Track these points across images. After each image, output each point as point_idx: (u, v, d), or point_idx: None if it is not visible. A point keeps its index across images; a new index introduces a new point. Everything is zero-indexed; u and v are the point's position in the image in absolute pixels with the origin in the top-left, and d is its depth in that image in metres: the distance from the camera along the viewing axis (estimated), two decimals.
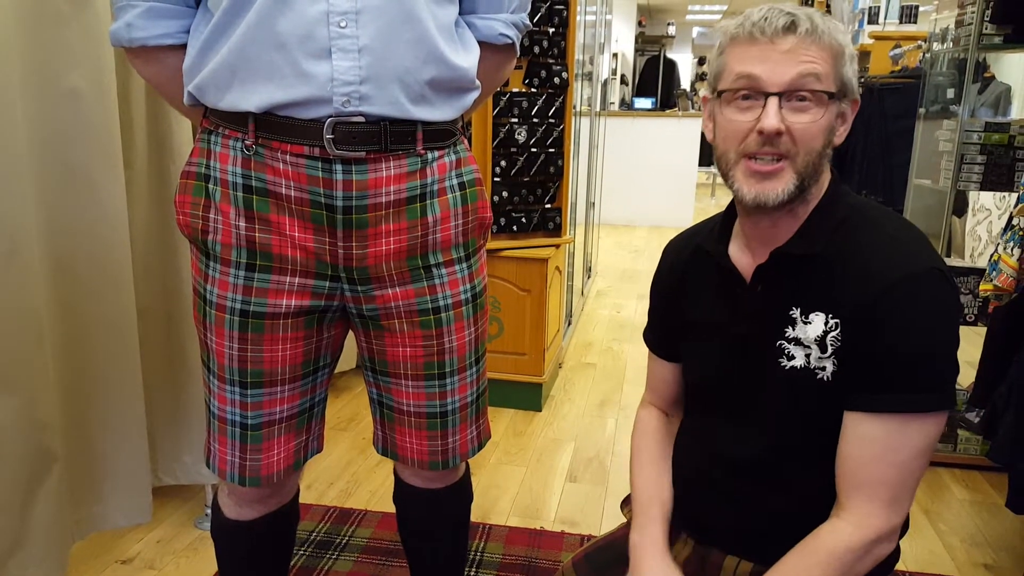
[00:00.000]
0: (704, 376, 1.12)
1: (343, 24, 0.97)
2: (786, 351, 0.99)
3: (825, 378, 0.96)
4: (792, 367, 0.98)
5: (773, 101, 0.91)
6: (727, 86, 0.95)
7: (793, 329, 0.98)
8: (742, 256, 1.05)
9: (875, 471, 0.92)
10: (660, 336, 1.23)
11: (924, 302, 0.90)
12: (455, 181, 1.13)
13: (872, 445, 0.92)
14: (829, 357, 0.95)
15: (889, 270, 0.91)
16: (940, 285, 0.91)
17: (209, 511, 2.03)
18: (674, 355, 1.21)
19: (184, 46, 1.06)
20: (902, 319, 0.90)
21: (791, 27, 0.91)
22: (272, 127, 1.01)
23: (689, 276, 1.14)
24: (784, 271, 0.99)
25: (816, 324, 0.96)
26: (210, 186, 1.07)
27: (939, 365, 0.92)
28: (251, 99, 1.00)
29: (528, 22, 1.23)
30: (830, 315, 0.95)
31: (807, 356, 0.97)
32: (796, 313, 0.98)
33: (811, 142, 0.93)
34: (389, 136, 1.03)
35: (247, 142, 1.03)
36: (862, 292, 0.92)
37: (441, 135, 1.10)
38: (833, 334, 0.95)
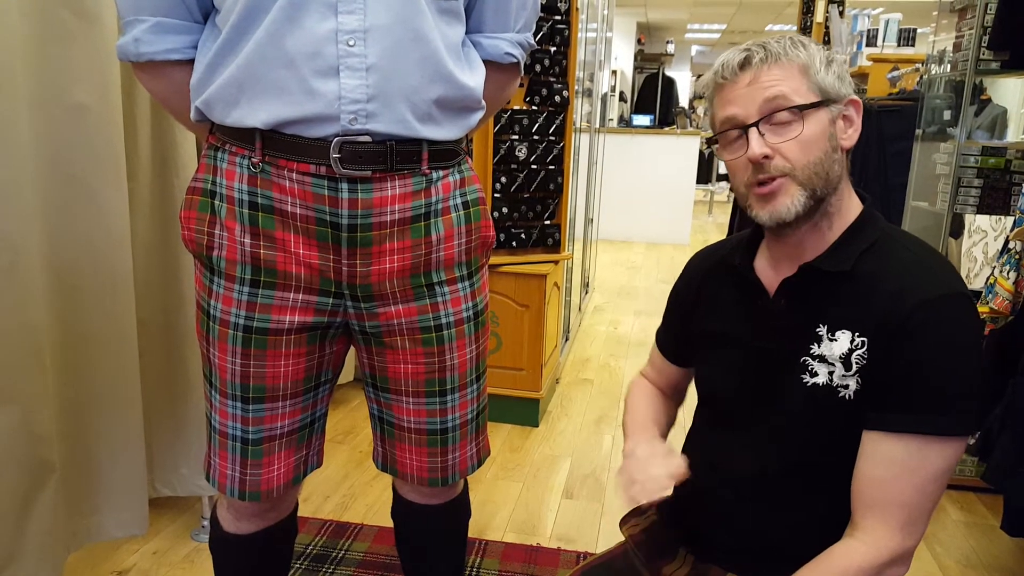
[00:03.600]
0: (718, 388, 1.13)
1: (351, 43, 0.98)
2: (810, 367, 1.00)
3: (848, 396, 0.97)
4: (815, 384, 0.99)
5: (752, 132, 0.96)
6: (716, 132, 1.02)
7: (818, 346, 0.99)
8: (767, 271, 1.07)
9: (892, 492, 0.93)
10: (672, 341, 1.25)
11: (952, 325, 0.92)
12: (459, 200, 1.15)
13: (891, 465, 0.93)
14: (853, 375, 0.96)
15: (919, 292, 0.93)
16: (968, 310, 0.93)
17: (205, 523, 2.03)
18: (682, 361, 1.24)
19: (191, 61, 1.07)
20: (929, 340, 0.92)
21: (746, 62, 0.97)
22: (279, 145, 1.02)
23: (710, 287, 1.16)
24: (810, 287, 1.01)
25: (842, 342, 0.97)
26: (216, 202, 1.07)
27: (962, 389, 0.92)
28: (258, 115, 1.01)
29: (532, 41, 1.25)
30: (856, 333, 0.96)
31: (831, 374, 0.98)
32: (823, 330, 0.99)
33: (806, 155, 0.96)
34: (395, 155, 1.04)
35: (254, 160, 1.04)
36: (891, 312, 0.94)
37: (446, 155, 1.11)
38: (859, 352, 0.96)
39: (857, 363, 0.96)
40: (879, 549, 0.93)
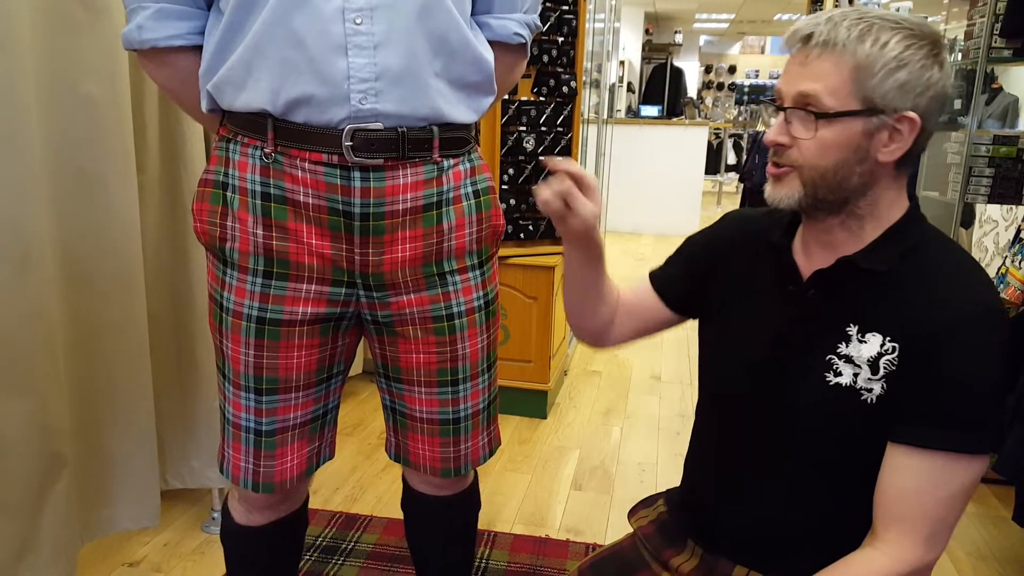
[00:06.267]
0: (736, 370, 1.08)
1: (358, 20, 0.98)
2: (834, 366, 0.96)
3: (870, 400, 0.94)
4: (837, 384, 0.96)
5: (780, 114, 0.94)
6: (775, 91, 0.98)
7: (846, 345, 0.96)
8: (799, 255, 1.03)
9: (917, 505, 0.91)
10: (672, 280, 1.18)
11: (989, 345, 0.89)
12: (470, 189, 1.14)
13: (917, 480, 0.90)
14: (879, 380, 0.93)
15: (959, 306, 0.90)
16: (1002, 328, 0.91)
17: (216, 515, 2.04)
18: (671, 300, 1.17)
19: (195, 48, 1.07)
20: (966, 358, 0.89)
21: (808, 38, 0.91)
22: (291, 134, 1.02)
23: (743, 256, 1.10)
24: (845, 283, 0.97)
25: (872, 344, 0.94)
26: (228, 194, 1.07)
27: (992, 407, 0.90)
28: (266, 95, 1.00)
29: (539, 23, 1.24)
30: (888, 338, 0.93)
31: (855, 375, 0.95)
32: (853, 330, 0.96)
33: (818, 158, 0.92)
34: (407, 143, 1.04)
35: (266, 150, 1.04)
36: (927, 321, 0.90)
37: (456, 143, 1.11)
38: (888, 357, 0.93)
39: (885, 368, 0.93)
40: (901, 562, 0.91)
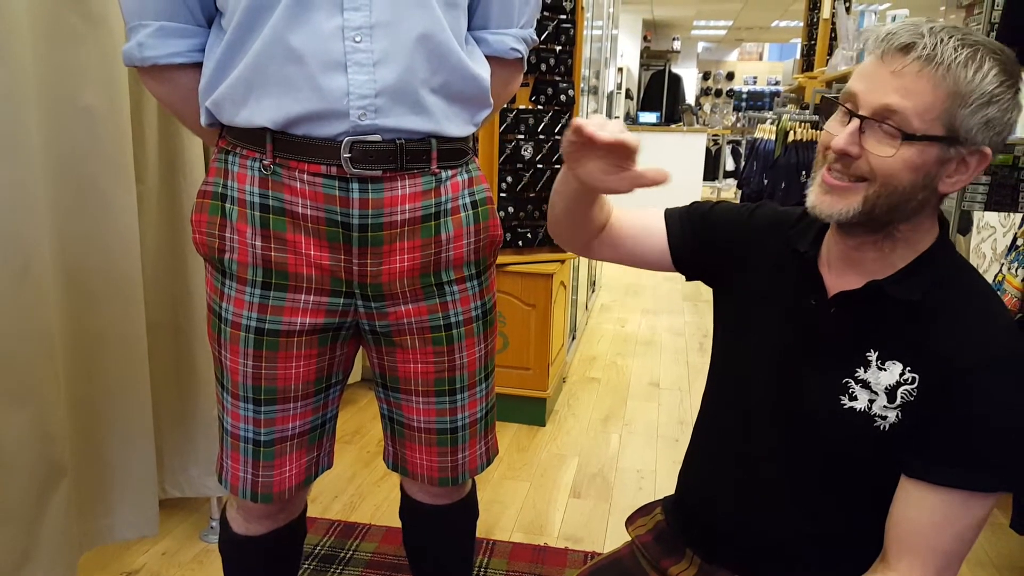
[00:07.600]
0: (747, 378, 1.06)
1: (358, 39, 0.99)
2: (851, 390, 0.94)
3: (883, 427, 0.92)
4: (852, 408, 0.94)
5: (854, 123, 0.88)
6: (839, 93, 0.92)
7: (865, 371, 0.94)
8: (824, 267, 1.00)
9: (931, 538, 0.90)
10: (688, 243, 1.13)
11: (1016, 385, 0.87)
12: (468, 200, 1.15)
13: (932, 514, 0.90)
14: (895, 409, 0.92)
15: (989, 344, 0.88)
16: None
17: (214, 524, 2.04)
18: (679, 250, 1.14)
19: (195, 65, 1.08)
20: (991, 402, 0.87)
21: (908, 48, 0.84)
22: (290, 146, 1.03)
23: (764, 254, 1.07)
24: (870, 307, 0.94)
25: (891, 372, 0.92)
26: (227, 205, 1.08)
27: (1015, 450, 0.88)
28: (267, 113, 1.01)
29: (535, 37, 1.25)
30: (908, 368, 0.91)
31: (871, 402, 0.93)
32: (872, 356, 0.94)
33: (890, 177, 0.87)
34: (405, 155, 1.05)
35: (265, 162, 1.04)
36: (953, 357, 0.88)
37: (455, 154, 1.12)
38: (907, 387, 0.91)
39: (902, 398, 0.91)
40: None
